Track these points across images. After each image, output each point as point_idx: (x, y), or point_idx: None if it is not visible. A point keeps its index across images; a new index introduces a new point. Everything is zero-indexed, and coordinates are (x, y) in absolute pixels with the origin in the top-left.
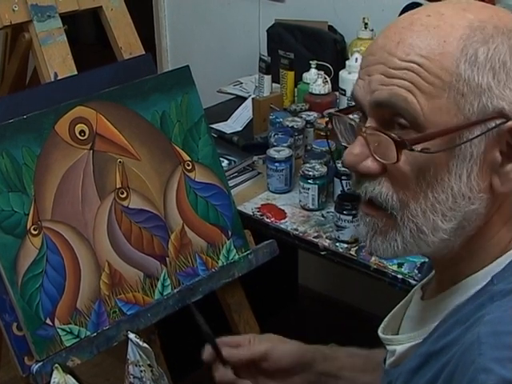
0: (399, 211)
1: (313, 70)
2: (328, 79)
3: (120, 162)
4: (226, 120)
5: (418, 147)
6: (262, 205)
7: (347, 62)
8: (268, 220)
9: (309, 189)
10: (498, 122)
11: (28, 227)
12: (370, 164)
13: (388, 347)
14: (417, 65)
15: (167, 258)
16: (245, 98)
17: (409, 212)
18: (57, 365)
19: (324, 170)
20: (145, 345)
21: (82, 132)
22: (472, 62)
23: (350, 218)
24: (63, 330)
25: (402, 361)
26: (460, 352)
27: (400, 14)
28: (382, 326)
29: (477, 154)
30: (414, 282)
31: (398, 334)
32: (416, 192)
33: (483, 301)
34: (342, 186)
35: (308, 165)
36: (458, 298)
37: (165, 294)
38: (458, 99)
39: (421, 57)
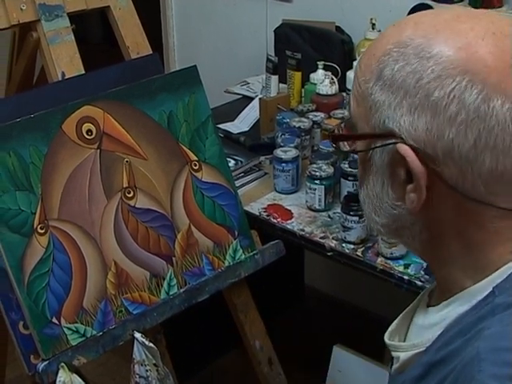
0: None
1: (320, 71)
2: (335, 80)
3: (127, 161)
4: (233, 120)
5: (342, 145)
6: (268, 205)
7: (354, 63)
8: (274, 220)
9: (315, 189)
10: (391, 140)
11: (35, 226)
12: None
13: (393, 353)
14: (356, 72)
15: (173, 258)
16: (252, 98)
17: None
18: (63, 364)
19: (331, 170)
20: (151, 344)
21: (89, 131)
22: (378, 78)
23: (356, 218)
24: (69, 328)
25: (405, 368)
26: (460, 366)
27: (407, 15)
28: (388, 330)
29: (383, 165)
30: (420, 284)
31: (404, 340)
32: (360, 181)
33: (484, 313)
34: (349, 186)
35: (315, 165)
36: (459, 308)
37: (171, 293)
38: (367, 110)
39: (359, 65)
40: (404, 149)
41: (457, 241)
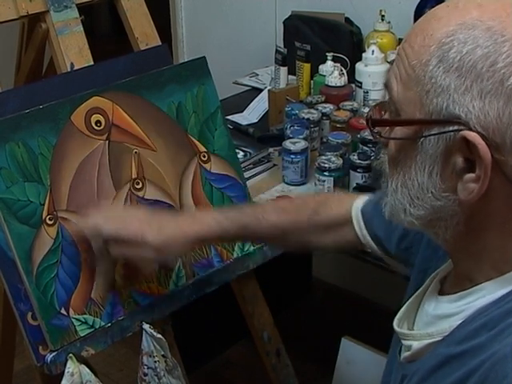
0: (387, 181)
1: (329, 62)
2: (344, 71)
3: (136, 152)
4: (242, 111)
5: (379, 129)
6: (277, 197)
7: (364, 55)
8: None
9: (324, 181)
10: (454, 127)
11: (43, 217)
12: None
13: (403, 342)
14: (404, 53)
15: None
16: (261, 90)
17: (389, 185)
18: (71, 354)
19: (340, 162)
20: (159, 335)
21: (98, 122)
22: (441, 60)
23: None
24: (78, 320)
25: (418, 357)
26: (490, 363)
27: (417, 7)
28: (396, 317)
29: (437, 153)
30: None
31: (413, 327)
32: (394, 170)
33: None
34: (358, 178)
35: (324, 157)
36: (481, 299)
37: (179, 284)
38: (422, 95)
39: (409, 46)
40: (473, 136)
41: (497, 233)
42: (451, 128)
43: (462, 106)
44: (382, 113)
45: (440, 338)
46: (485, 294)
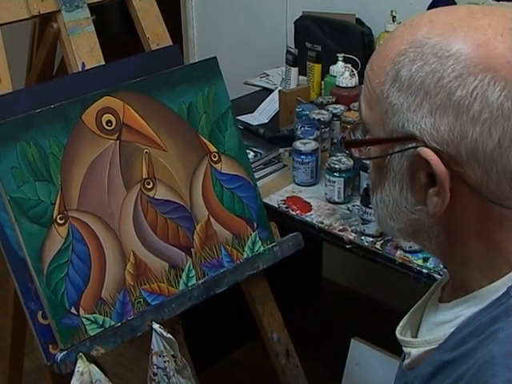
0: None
1: (340, 63)
2: (355, 72)
3: (146, 152)
4: (252, 112)
5: (354, 150)
6: (287, 197)
7: None
8: (293, 212)
9: (335, 182)
10: (412, 144)
11: (54, 216)
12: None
13: (404, 349)
14: (367, 75)
15: (192, 249)
16: (271, 90)
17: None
18: (81, 354)
19: (350, 163)
20: (169, 335)
21: (108, 122)
22: (395, 79)
23: None
24: (88, 319)
25: (416, 364)
26: (474, 370)
27: (428, 8)
28: (400, 325)
29: (402, 170)
30: (439, 277)
31: (417, 334)
32: (373, 188)
33: (498, 313)
34: (368, 179)
35: (334, 158)
36: (473, 307)
37: (189, 284)
38: (383, 114)
39: (371, 68)
40: (426, 152)
41: (476, 241)
42: (410, 145)
43: (415, 124)
44: (358, 134)
45: (436, 346)
46: (476, 302)
